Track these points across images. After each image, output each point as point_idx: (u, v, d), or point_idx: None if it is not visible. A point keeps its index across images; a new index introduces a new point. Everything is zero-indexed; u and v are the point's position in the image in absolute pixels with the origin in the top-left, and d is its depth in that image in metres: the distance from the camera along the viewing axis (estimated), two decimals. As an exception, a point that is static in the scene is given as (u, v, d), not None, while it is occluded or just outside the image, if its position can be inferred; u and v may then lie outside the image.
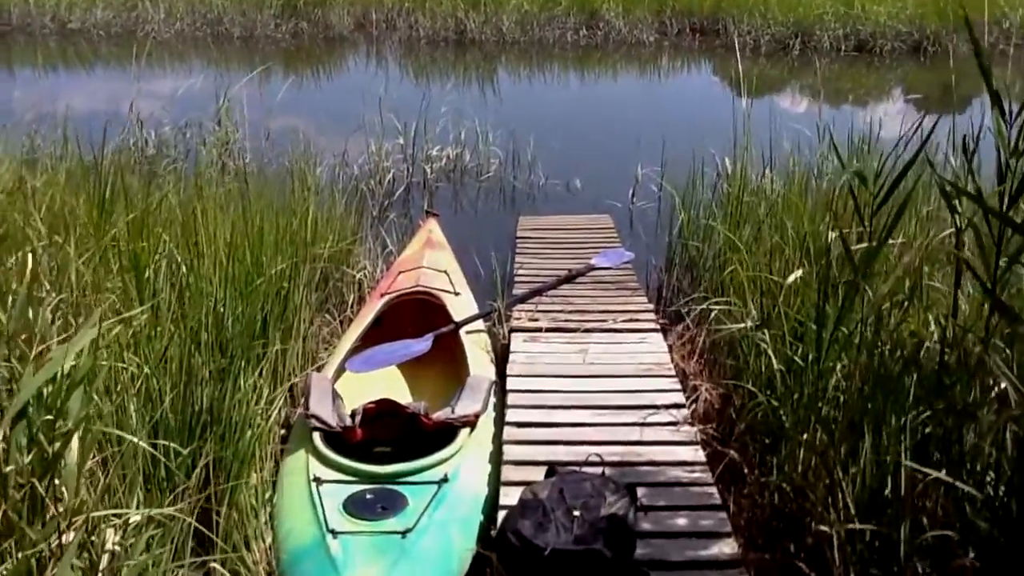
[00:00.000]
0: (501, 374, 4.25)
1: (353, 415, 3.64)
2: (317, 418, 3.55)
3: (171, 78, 12.86)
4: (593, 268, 5.64)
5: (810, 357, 3.21)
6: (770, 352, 3.40)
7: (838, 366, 3.15)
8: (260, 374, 3.64)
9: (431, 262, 5.30)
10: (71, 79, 15.15)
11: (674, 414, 3.68)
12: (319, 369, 4.25)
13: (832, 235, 3.24)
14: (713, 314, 4.43)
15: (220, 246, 4.02)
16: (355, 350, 4.50)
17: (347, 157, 8.24)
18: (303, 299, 4.50)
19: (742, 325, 3.72)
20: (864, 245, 3.12)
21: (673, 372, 4.11)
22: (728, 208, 5.42)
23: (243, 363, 3.56)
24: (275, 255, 4.44)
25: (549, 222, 6.97)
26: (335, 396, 3.76)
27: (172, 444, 2.95)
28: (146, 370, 3.07)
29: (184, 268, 3.81)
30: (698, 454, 3.41)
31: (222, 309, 3.71)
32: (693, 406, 4.23)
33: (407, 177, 8.26)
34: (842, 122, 7.15)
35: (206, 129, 8.84)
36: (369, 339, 4.62)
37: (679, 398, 3.84)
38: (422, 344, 4.30)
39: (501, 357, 4.47)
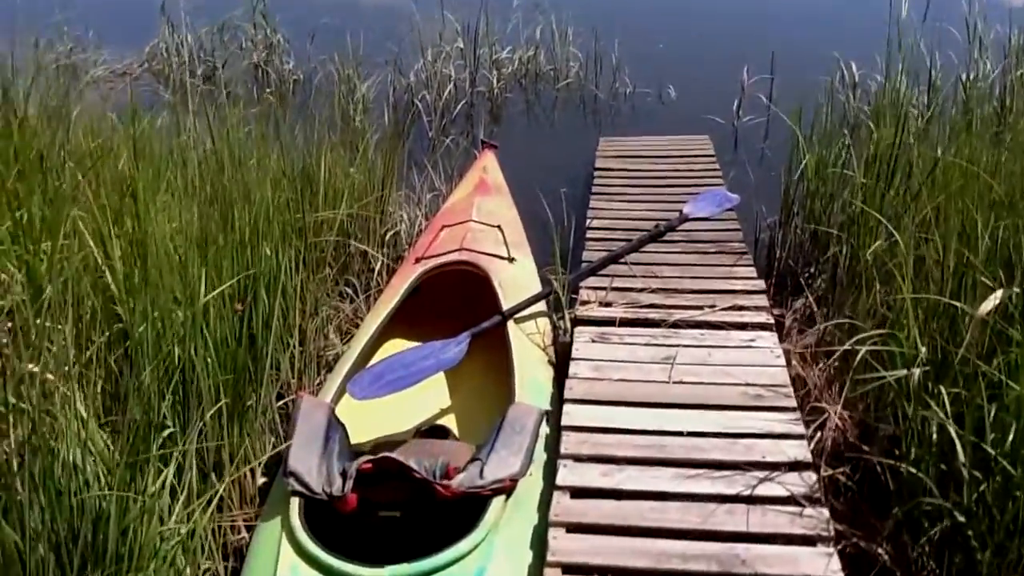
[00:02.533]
0: (561, 381, 3.21)
1: (344, 474, 2.65)
2: (297, 477, 2.58)
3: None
4: (686, 219, 4.46)
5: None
6: (952, 431, 2.24)
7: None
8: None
9: (482, 214, 4.22)
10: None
11: (797, 483, 2.57)
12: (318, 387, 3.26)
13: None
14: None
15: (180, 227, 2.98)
16: (373, 347, 3.51)
17: (400, 63, 7.09)
18: (302, 283, 3.45)
19: (899, 373, 2.52)
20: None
21: (793, 401, 2.97)
22: (871, 150, 4.06)
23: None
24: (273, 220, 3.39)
25: (635, 145, 5.77)
26: (332, 433, 2.77)
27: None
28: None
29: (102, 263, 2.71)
30: (832, 564, 2.31)
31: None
32: (818, 435, 3.13)
33: (470, 86, 7.06)
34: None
35: (245, 30, 7.77)
36: (395, 324, 3.63)
37: (802, 450, 2.72)
38: (452, 352, 3.25)
39: (562, 358, 3.41)
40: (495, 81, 7.06)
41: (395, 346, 3.77)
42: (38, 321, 2.18)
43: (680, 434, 2.80)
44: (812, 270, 4.19)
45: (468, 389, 3.52)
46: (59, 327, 2.20)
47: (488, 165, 4.82)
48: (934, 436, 2.34)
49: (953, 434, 2.23)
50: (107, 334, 2.42)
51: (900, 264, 2.80)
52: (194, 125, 4.17)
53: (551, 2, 7.67)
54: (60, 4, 8.28)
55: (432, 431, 3.22)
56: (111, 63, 7.96)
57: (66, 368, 2.07)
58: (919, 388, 2.43)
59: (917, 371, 2.43)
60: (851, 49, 6.83)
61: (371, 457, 2.61)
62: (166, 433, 2.32)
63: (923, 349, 2.48)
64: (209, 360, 2.54)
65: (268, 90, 7.26)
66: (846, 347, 2.78)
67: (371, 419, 3.21)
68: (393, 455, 2.59)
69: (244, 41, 7.73)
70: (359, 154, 4.52)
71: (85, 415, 2.03)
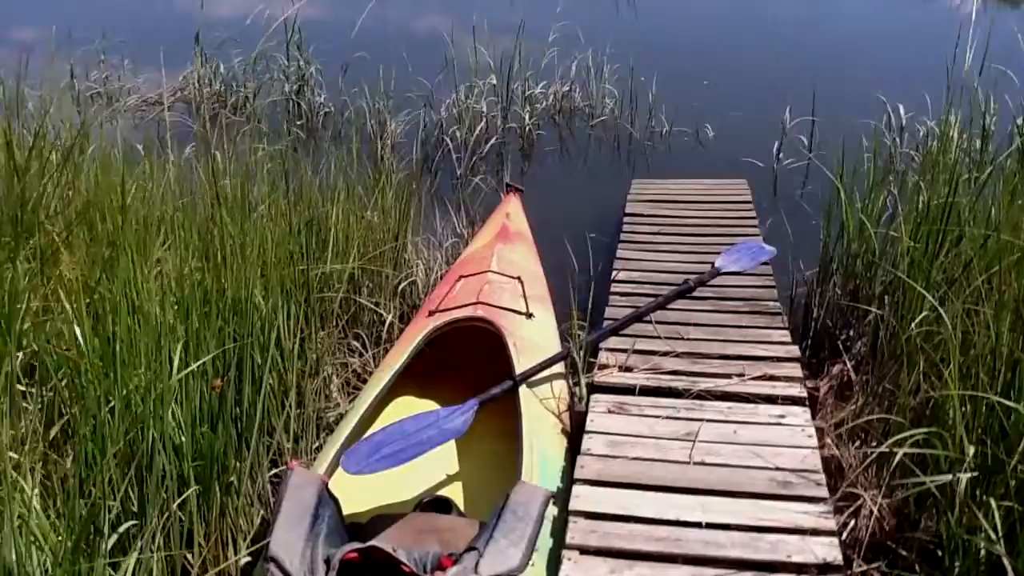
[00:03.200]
0: (574, 454, 2.99)
1: (328, 563, 2.44)
2: (277, 563, 2.38)
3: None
4: (718, 273, 4.22)
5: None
6: (1000, 553, 1.97)
7: None
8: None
9: (502, 264, 4.02)
10: None
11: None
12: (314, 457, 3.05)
13: None
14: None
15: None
16: (379, 406, 3.32)
17: (432, 98, 6.94)
18: (303, 341, 3.26)
19: (943, 479, 2.25)
20: None
21: (824, 490, 2.70)
22: (917, 212, 3.76)
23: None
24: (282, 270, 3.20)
25: (668, 188, 5.54)
26: (321, 511, 2.56)
27: None
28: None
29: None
30: None
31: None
32: (851, 523, 2.87)
33: (501, 122, 6.88)
34: None
35: (278, 62, 7.67)
36: (405, 381, 3.44)
37: (832, 550, 2.45)
38: (458, 421, 3.03)
39: (576, 428, 3.18)
40: (527, 117, 6.87)
41: (403, 404, 3.58)
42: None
43: (699, 525, 2.56)
44: (850, 333, 3.92)
45: (475, 457, 3.31)
46: (25, 406, 2.02)
47: (511, 210, 4.62)
48: (981, 553, 2.08)
49: (1004, 560, 1.96)
50: (73, 413, 2.23)
51: (946, 348, 2.53)
52: (207, 166, 4.02)
53: (588, 38, 7.48)
54: (103, 29, 8.33)
55: (434, 504, 3.01)
56: (145, 91, 7.93)
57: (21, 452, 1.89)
58: (965, 496, 2.17)
59: (964, 477, 2.17)
60: (897, 91, 6.60)
61: (358, 546, 2.40)
62: (124, 527, 2.12)
63: (970, 451, 2.22)
64: (180, 442, 2.34)
65: (299, 122, 7.17)
66: (884, 448, 2.51)
67: (369, 488, 3.02)
68: (381, 544, 2.38)
69: (276, 73, 7.62)
70: (378, 194, 4.34)
71: (36, 506, 1.84)
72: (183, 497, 2.32)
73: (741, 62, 8.76)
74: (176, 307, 2.62)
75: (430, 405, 3.64)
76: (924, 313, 3.08)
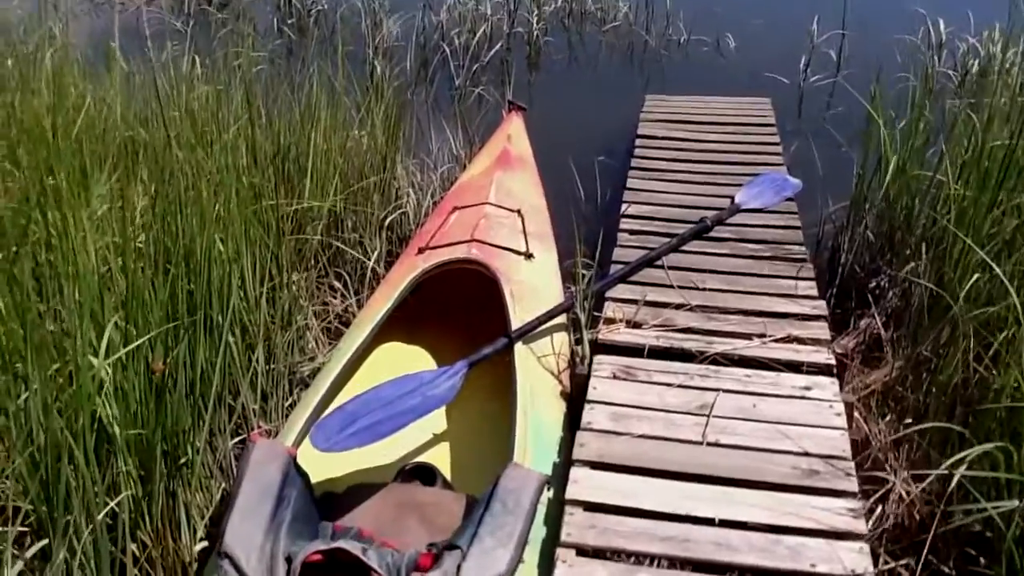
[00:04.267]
0: (574, 426, 2.68)
1: (289, 562, 2.14)
2: (232, 560, 2.08)
3: None
4: (738, 210, 3.84)
5: None
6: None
7: None
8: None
9: (501, 194, 3.64)
10: None
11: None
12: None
13: None
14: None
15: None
16: (361, 358, 3.00)
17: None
18: (275, 287, 2.90)
19: (1009, 504, 1.92)
20: None
21: (854, 482, 2.39)
22: (965, 151, 3.34)
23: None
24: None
25: (685, 106, 5.11)
26: (287, 491, 2.24)
27: None
28: None
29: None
30: None
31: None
32: (878, 508, 2.58)
33: (507, 27, 6.36)
34: None
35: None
36: (391, 328, 3.12)
37: (863, 559, 2.16)
38: (444, 386, 2.70)
39: (577, 392, 2.86)
40: (535, 21, 6.35)
41: (388, 353, 3.27)
42: None
43: (711, 522, 2.26)
44: (882, 282, 3.56)
45: (463, 418, 3.01)
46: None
47: (513, 132, 4.21)
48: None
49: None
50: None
51: (1006, 339, 2.17)
52: (175, 77, 3.61)
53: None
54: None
55: (417, 471, 2.71)
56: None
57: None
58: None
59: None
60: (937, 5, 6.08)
61: (322, 547, 2.10)
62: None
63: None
64: (113, 420, 2.01)
65: (289, 21, 6.67)
66: (941, 470, 2.17)
67: (345, 453, 2.71)
68: (348, 546, 2.08)
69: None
70: (365, 111, 3.92)
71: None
72: (115, 502, 1.99)
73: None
74: (120, 258, 2.26)
75: (418, 354, 3.34)
76: (976, 277, 2.71)
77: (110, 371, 1.97)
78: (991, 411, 2.31)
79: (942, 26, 5.80)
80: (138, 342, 2.05)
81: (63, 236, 2.15)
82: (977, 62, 5.56)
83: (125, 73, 3.82)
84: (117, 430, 1.97)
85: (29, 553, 1.77)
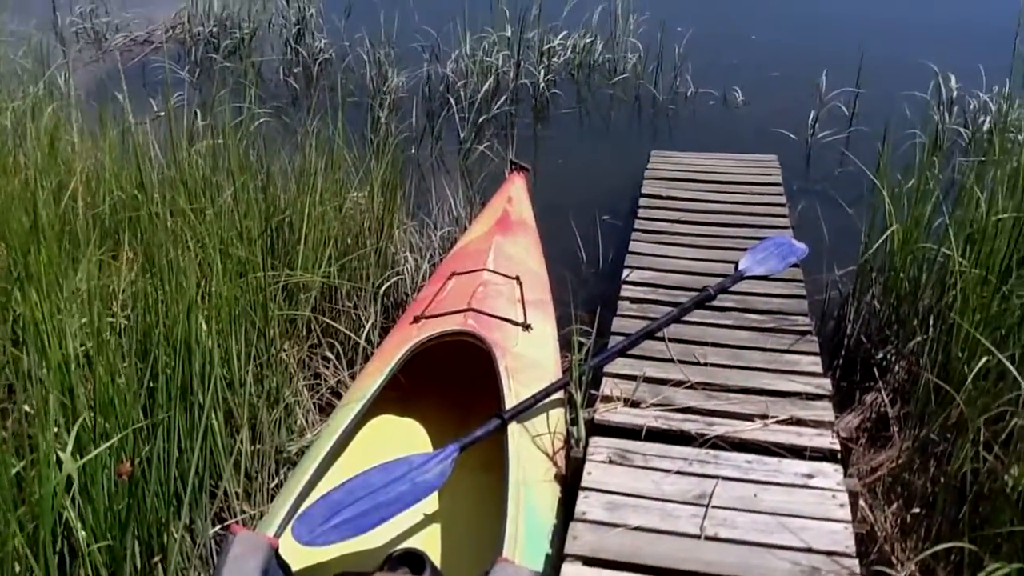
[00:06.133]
0: (568, 514, 2.59)
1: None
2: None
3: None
4: (742, 277, 3.77)
5: None
6: None
7: None
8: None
9: (500, 260, 3.57)
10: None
11: None
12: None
13: None
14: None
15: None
16: (351, 434, 2.91)
17: (439, 50, 6.39)
18: (262, 366, 2.82)
19: None
20: None
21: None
22: (977, 216, 3.25)
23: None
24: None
25: (690, 164, 5.04)
26: None
27: None
28: None
29: None
30: None
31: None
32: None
33: (513, 79, 6.32)
34: None
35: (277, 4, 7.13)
36: (383, 401, 3.03)
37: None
38: (434, 471, 2.61)
39: (572, 476, 2.76)
40: (542, 74, 6.31)
41: (380, 427, 3.17)
42: None
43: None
44: (889, 356, 3.46)
45: (455, 496, 2.90)
46: None
47: (514, 194, 4.15)
48: None
49: None
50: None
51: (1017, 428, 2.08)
52: (172, 138, 3.57)
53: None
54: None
55: (405, 559, 2.61)
56: (136, 27, 7.41)
57: None
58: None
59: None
60: (951, 51, 6.04)
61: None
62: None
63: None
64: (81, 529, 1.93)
65: (295, 70, 6.66)
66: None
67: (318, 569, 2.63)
68: None
69: (274, 16, 7.09)
70: (364, 172, 3.87)
71: None
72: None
73: (777, 14, 8.15)
74: (98, 343, 2.19)
75: (411, 428, 3.25)
76: (984, 361, 2.62)
77: (77, 474, 1.90)
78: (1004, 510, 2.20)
79: (953, 82, 5.73)
80: (108, 444, 1.97)
81: (35, 326, 2.08)
82: (988, 119, 5.48)
83: (122, 130, 3.78)
84: (83, 536, 1.88)
85: None
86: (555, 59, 6.53)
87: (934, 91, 5.72)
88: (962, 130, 5.51)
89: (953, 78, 5.73)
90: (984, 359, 2.65)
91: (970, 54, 5.98)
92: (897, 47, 6.90)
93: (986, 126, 5.46)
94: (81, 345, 2.30)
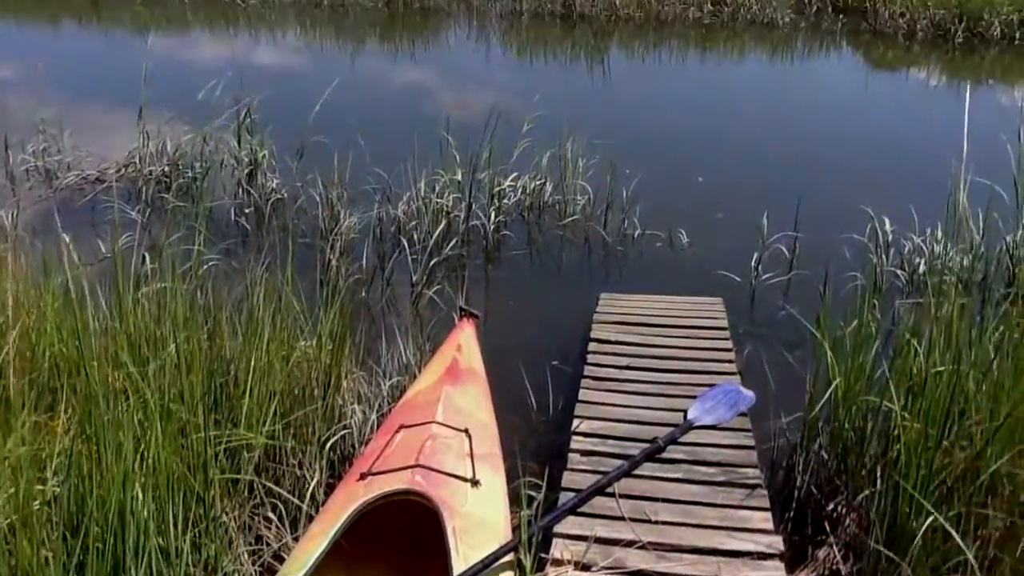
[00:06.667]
0: None
1: None
2: None
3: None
4: (691, 427, 3.77)
5: None
6: None
7: None
8: None
9: (448, 413, 3.53)
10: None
11: None
12: None
13: None
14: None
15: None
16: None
17: (391, 191, 6.48)
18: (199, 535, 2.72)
19: None
20: None
21: None
22: (914, 371, 3.32)
23: None
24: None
25: (638, 306, 5.13)
26: None
27: None
28: None
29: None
30: None
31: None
32: None
33: (464, 221, 6.42)
34: None
35: (228, 145, 7.21)
36: (328, 562, 2.92)
37: None
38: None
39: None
40: (493, 215, 6.42)
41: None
42: None
43: None
44: (839, 508, 3.46)
45: None
46: None
47: (464, 341, 4.14)
48: None
49: None
50: None
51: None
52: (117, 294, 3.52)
53: (562, 130, 7.05)
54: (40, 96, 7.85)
55: None
56: (88, 166, 7.44)
57: None
58: None
59: None
60: (885, 193, 6.35)
61: None
62: None
63: None
64: None
65: (247, 210, 6.70)
66: None
67: None
68: None
69: (226, 156, 7.17)
70: (311, 322, 3.85)
71: None
72: None
73: (723, 157, 8.49)
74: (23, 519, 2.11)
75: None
76: (930, 519, 2.63)
77: None
78: None
79: (887, 224, 5.95)
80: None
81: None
82: (923, 261, 5.67)
83: (65, 281, 3.73)
84: None
85: None
86: (505, 201, 6.64)
87: (871, 234, 5.93)
88: (899, 272, 5.68)
89: (887, 220, 5.95)
90: (930, 518, 2.65)
91: (903, 196, 6.25)
92: (836, 189, 7.21)
93: (921, 268, 5.64)
94: (6, 519, 2.21)
